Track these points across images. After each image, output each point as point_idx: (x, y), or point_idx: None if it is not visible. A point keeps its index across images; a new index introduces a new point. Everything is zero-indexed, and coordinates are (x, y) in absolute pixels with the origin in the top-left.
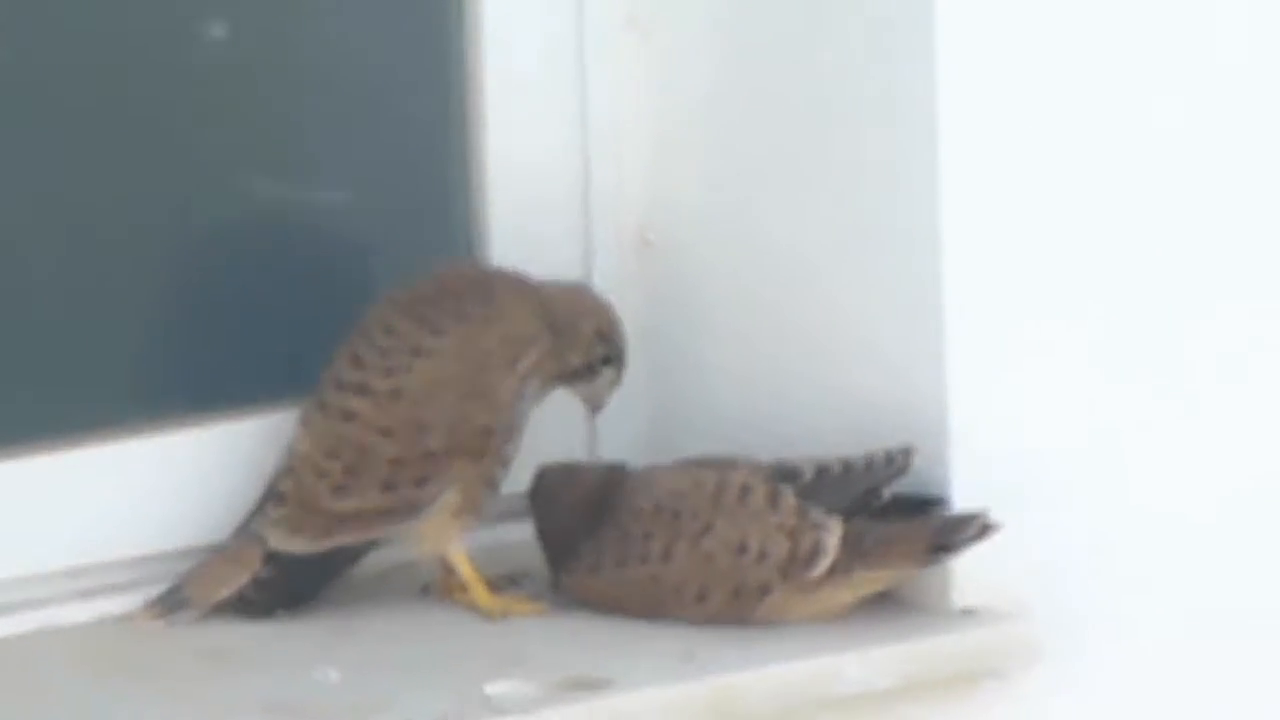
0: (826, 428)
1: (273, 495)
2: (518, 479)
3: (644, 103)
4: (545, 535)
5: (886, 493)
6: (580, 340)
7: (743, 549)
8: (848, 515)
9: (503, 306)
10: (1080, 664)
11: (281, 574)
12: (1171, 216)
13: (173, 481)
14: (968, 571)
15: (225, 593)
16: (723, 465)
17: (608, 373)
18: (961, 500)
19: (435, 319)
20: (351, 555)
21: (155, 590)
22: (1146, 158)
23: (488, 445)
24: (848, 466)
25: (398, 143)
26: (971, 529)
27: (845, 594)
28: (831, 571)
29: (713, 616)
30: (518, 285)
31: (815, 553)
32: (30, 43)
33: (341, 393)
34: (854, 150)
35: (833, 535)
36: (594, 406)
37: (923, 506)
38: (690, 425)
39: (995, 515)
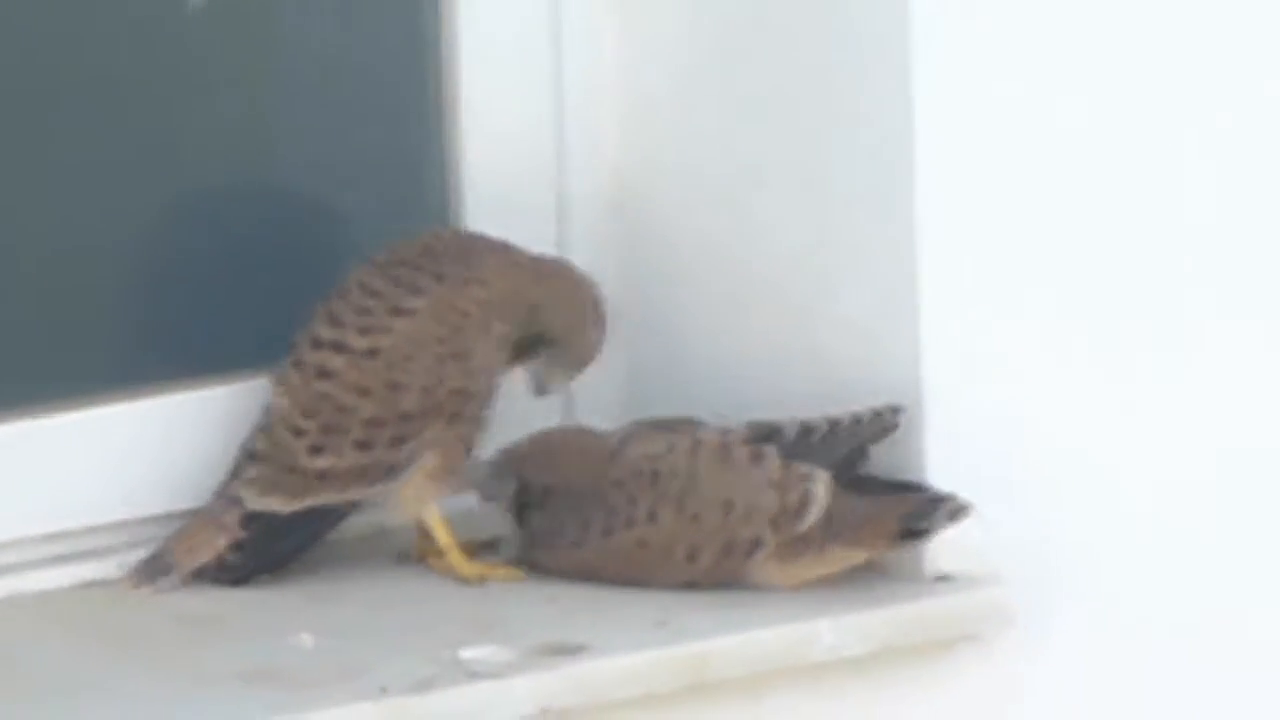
0: (800, 392)
1: (249, 454)
2: (495, 442)
3: (618, 68)
4: (524, 516)
5: (872, 450)
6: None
7: (729, 506)
8: (834, 475)
9: (482, 269)
10: (1054, 629)
11: (260, 536)
12: (1156, 186)
13: (150, 447)
14: (941, 539)
15: (206, 557)
16: (690, 426)
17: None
18: (935, 467)
19: (414, 280)
20: (330, 518)
21: (133, 556)
22: (1126, 128)
23: (464, 408)
24: (833, 425)
25: (372, 113)
26: (943, 513)
27: (819, 568)
28: (808, 543)
29: (703, 576)
30: (499, 250)
31: (804, 503)
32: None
33: (318, 351)
34: (827, 109)
35: (820, 484)
36: (540, 391)
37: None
38: (665, 388)
39: (966, 494)
